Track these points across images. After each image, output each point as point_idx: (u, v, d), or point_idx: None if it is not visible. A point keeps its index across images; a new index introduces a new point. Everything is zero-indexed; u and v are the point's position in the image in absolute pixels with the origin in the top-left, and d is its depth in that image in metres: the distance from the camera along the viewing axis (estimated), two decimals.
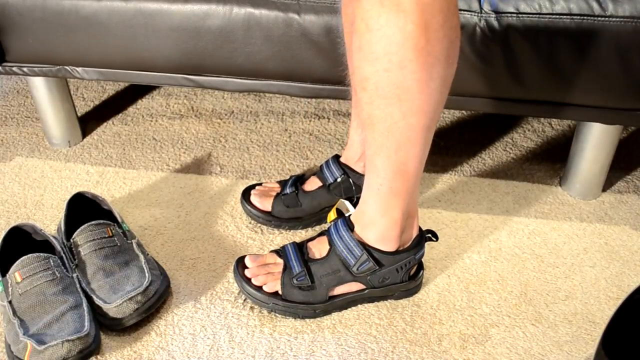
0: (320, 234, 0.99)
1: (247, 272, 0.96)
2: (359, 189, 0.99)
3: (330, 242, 0.94)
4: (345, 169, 1.08)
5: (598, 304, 0.99)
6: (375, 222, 0.91)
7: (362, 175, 1.05)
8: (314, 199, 1.09)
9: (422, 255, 0.97)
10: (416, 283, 0.98)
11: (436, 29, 0.72)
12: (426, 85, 0.76)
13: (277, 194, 1.10)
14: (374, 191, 0.89)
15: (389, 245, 0.92)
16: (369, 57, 0.76)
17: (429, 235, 0.98)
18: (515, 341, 0.93)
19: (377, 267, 0.93)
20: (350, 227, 0.93)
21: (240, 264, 0.98)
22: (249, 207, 1.11)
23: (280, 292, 0.94)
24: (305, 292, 0.94)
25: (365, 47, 0.75)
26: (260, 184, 1.15)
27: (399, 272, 0.94)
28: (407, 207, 0.90)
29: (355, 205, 0.99)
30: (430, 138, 0.84)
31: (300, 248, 0.97)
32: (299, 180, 1.12)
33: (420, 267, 0.99)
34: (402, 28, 0.71)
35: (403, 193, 0.88)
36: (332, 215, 1.03)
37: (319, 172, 1.11)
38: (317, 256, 0.95)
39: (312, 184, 1.10)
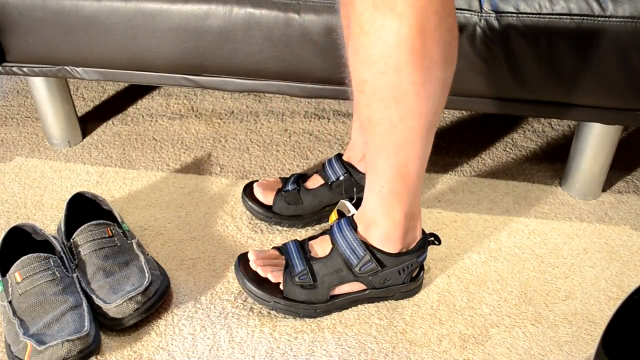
0: (323, 233, 0.99)
1: (251, 264, 0.95)
2: (361, 188, 0.99)
3: (333, 241, 0.94)
4: (348, 168, 1.08)
5: (598, 304, 0.99)
6: (378, 223, 0.91)
7: (364, 175, 1.05)
8: (315, 196, 1.08)
9: (425, 258, 0.97)
10: (417, 284, 0.98)
11: (432, 31, 0.72)
12: (423, 87, 0.76)
13: (279, 190, 1.10)
14: (376, 193, 0.89)
15: (393, 247, 0.92)
16: (366, 61, 0.75)
17: (432, 239, 0.98)
18: (515, 341, 0.93)
19: (380, 268, 0.93)
20: (354, 226, 0.93)
21: (242, 262, 0.97)
22: (250, 203, 1.10)
23: (281, 287, 0.94)
24: (307, 291, 0.94)
25: (361, 51, 0.75)
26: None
27: (400, 274, 0.94)
28: (410, 208, 0.90)
29: (355, 204, 0.99)
30: (431, 139, 0.84)
31: (302, 246, 0.97)
32: (301, 177, 1.12)
33: (421, 268, 0.99)
34: (397, 31, 0.71)
35: (405, 195, 0.88)
36: (333, 216, 1.03)
37: (321, 170, 1.11)
38: (320, 255, 0.95)
39: (314, 181, 1.10)
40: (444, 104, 0.81)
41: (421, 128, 0.80)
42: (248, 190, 1.12)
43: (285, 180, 1.12)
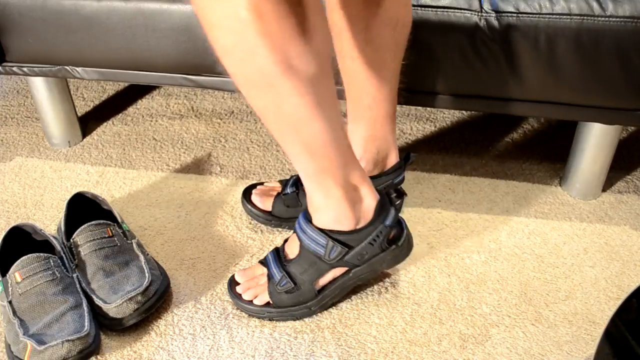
0: (293, 233, 0.98)
1: (237, 289, 0.97)
2: None
3: (299, 239, 0.94)
4: None
5: (598, 304, 0.99)
6: (323, 206, 0.90)
7: None
8: None
9: (393, 220, 0.92)
10: (401, 248, 0.95)
11: (272, 9, 0.69)
12: (287, 65, 0.73)
13: (278, 194, 1.10)
14: (305, 176, 0.88)
15: (347, 224, 0.91)
16: (224, 53, 0.74)
17: (395, 194, 0.95)
18: (515, 341, 0.93)
19: (347, 249, 0.92)
20: (308, 219, 0.93)
21: (233, 283, 0.99)
22: (249, 207, 1.11)
23: (270, 302, 0.95)
24: (293, 295, 0.94)
25: (216, 43, 0.74)
26: (261, 184, 1.15)
27: (374, 245, 0.93)
28: (345, 180, 0.88)
29: None
30: (334, 108, 0.81)
31: (279, 253, 0.97)
32: (300, 180, 1.12)
33: (401, 229, 0.95)
34: (237, 17, 0.69)
35: (331, 169, 0.86)
36: None
37: None
38: (291, 256, 0.95)
39: None
40: (330, 73, 0.79)
41: (310, 102, 0.77)
42: (247, 195, 1.12)
43: (284, 183, 1.12)
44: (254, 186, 1.14)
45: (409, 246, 0.97)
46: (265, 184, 1.15)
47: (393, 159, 1.06)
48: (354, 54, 0.95)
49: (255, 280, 0.97)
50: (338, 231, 0.91)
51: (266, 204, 1.10)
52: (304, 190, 1.09)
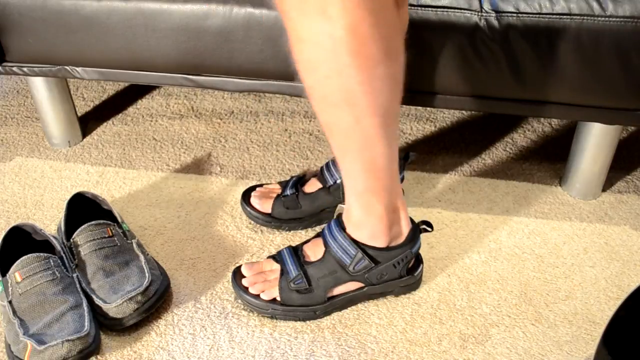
0: (316, 236, 0.99)
1: (244, 281, 0.96)
2: None
3: (325, 244, 0.94)
4: None
5: (598, 304, 0.99)
6: (363, 221, 0.91)
7: None
8: (314, 200, 1.08)
9: (418, 248, 0.96)
10: (415, 278, 0.98)
11: (367, 30, 0.70)
12: (370, 86, 0.74)
13: (278, 196, 1.10)
14: (352, 192, 0.89)
15: (380, 241, 0.92)
16: (308, 67, 0.75)
17: (424, 226, 0.98)
18: (515, 341, 0.93)
19: (373, 265, 0.93)
20: (342, 227, 0.93)
21: (237, 274, 0.98)
22: (248, 209, 1.11)
23: (278, 298, 0.94)
24: (303, 295, 0.94)
25: (301, 57, 0.74)
26: (260, 185, 1.15)
27: (396, 268, 0.94)
28: (389, 201, 0.89)
29: None
30: (394, 133, 0.83)
31: (296, 251, 0.97)
32: (299, 181, 1.12)
33: (419, 262, 0.99)
34: (331, 35, 0.70)
35: (380, 190, 0.87)
36: None
37: (319, 174, 1.11)
38: (313, 259, 0.95)
39: (313, 185, 1.10)
40: (400, 97, 0.80)
41: (379, 124, 0.79)
42: (246, 197, 1.12)
43: (284, 184, 1.12)
44: (253, 188, 1.14)
45: (420, 280, 1.00)
46: (264, 185, 1.15)
47: None
48: None
49: (263, 275, 0.97)
50: (370, 246, 0.92)
51: (265, 206, 1.10)
52: (303, 192, 1.09)
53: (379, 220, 0.90)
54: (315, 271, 0.94)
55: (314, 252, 0.96)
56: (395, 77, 0.77)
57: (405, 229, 0.94)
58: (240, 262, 1.05)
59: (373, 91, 0.75)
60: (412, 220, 0.96)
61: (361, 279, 0.94)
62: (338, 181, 1.07)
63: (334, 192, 1.08)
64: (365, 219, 0.91)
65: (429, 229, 0.98)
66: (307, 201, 1.09)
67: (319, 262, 0.94)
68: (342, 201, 1.07)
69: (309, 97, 0.79)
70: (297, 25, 0.72)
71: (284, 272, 0.95)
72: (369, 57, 0.72)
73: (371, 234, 0.92)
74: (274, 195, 1.11)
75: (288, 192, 1.09)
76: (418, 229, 0.96)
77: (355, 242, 0.92)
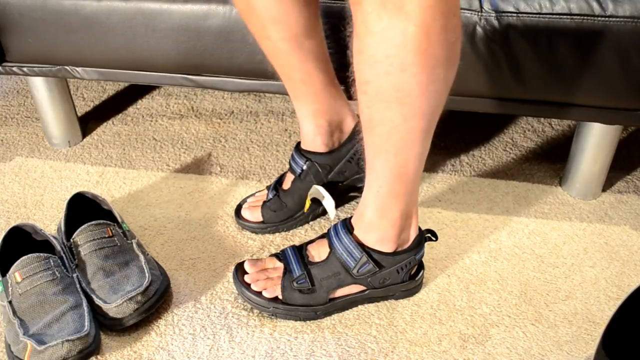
0: (320, 237, 0.99)
1: (246, 278, 0.96)
2: (326, 169, 1.03)
3: (330, 245, 0.94)
4: (307, 155, 1.07)
5: (598, 304, 0.99)
6: (374, 224, 0.91)
7: (324, 154, 1.06)
8: (293, 194, 1.09)
9: (422, 255, 0.97)
10: (416, 283, 0.98)
11: (437, 32, 0.72)
12: (427, 87, 0.75)
13: (264, 202, 1.10)
14: (374, 193, 0.89)
15: (388, 246, 0.92)
16: (370, 61, 0.75)
17: (429, 235, 0.98)
18: (515, 341, 0.93)
19: (378, 269, 0.93)
20: (349, 229, 0.93)
21: (240, 270, 0.97)
22: (242, 222, 1.11)
23: (280, 297, 0.94)
24: (306, 295, 0.94)
25: (366, 50, 0.75)
26: (252, 195, 1.14)
27: (399, 273, 0.94)
28: (406, 208, 0.90)
29: (327, 187, 1.03)
30: (430, 140, 0.84)
31: (300, 251, 0.97)
32: (279, 182, 1.12)
33: (421, 267, 0.99)
34: (403, 30, 0.71)
35: (402, 195, 0.88)
36: (307, 203, 1.04)
37: (289, 167, 1.11)
38: (317, 259, 0.95)
39: (288, 180, 1.10)
40: (444, 104, 0.81)
41: (421, 128, 0.80)
42: (238, 212, 1.12)
43: (268, 188, 1.13)
44: (244, 201, 1.14)
45: (420, 285, 1.00)
46: (255, 194, 1.14)
47: (349, 124, 1.06)
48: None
49: (266, 272, 0.97)
50: (376, 250, 0.92)
51: (256, 215, 1.10)
52: (282, 190, 1.09)
53: (392, 225, 0.90)
54: (318, 272, 0.94)
55: (319, 252, 0.96)
56: (448, 83, 0.78)
57: (413, 235, 0.95)
58: None
59: (428, 93, 0.76)
60: (419, 227, 0.96)
61: (364, 282, 0.94)
62: (304, 167, 1.07)
63: (306, 179, 1.07)
64: (377, 222, 0.90)
65: (433, 238, 0.98)
66: (288, 198, 1.09)
67: (323, 263, 0.94)
68: (315, 183, 1.07)
69: (359, 91, 0.79)
70: (369, 17, 0.72)
71: (287, 271, 0.95)
72: (433, 58, 0.73)
73: (380, 238, 0.92)
74: (261, 202, 1.11)
75: (270, 195, 1.10)
76: (424, 236, 0.97)
77: (362, 246, 0.92)
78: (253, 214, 1.10)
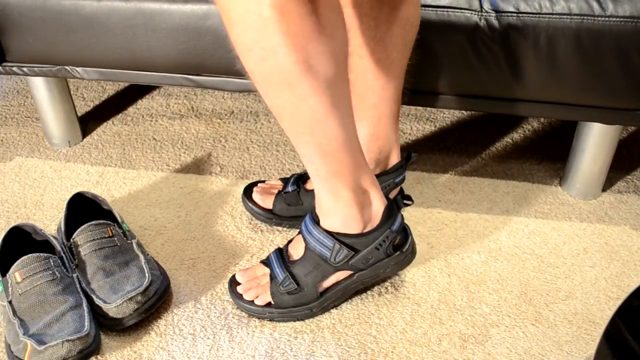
0: (298, 234, 0.98)
1: (239, 289, 0.97)
2: None
3: (304, 240, 0.94)
4: None
5: (598, 304, 0.99)
6: (332, 207, 0.90)
7: None
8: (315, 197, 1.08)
9: (399, 225, 0.94)
10: (405, 254, 0.96)
11: (295, 8, 0.69)
12: (307, 64, 0.73)
13: (279, 192, 1.10)
14: (316, 178, 0.88)
15: (354, 227, 0.91)
16: (244, 51, 0.74)
17: (404, 200, 0.96)
18: (515, 341, 0.93)
19: (353, 253, 0.92)
20: (316, 220, 0.93)
21: (234, 282, 0.99)
22: (250, 205, 1.10)
23: (272, 302, 0.95)
24: (295, 296, 0.94)
25: (237, 41, 0.74)
26: (262, 182, 1.15)
27: (379, 250, 0.93)
28: (356, 184, 0.88)
29: None
30: (348, 111, 0.82)
31: (282, 253, 0.97)
32: (301, 178, 1.12)
33: (407, 235, 0.96)
34: (260, 14, 0.69)
35: (344, 172, 0.86)
36: None
37: None
38: (296, 257, 0.95)
39: None
40: (347, 75, 0.79)
41: (327, 104, 0.77)
42: (248, 193, 1.12)
43: (285, 181, 1.12)
44: (255, 184, 1.14)
45: (412, 253, 0.97)
46: (266, 181, 1.15)
47: (395, 158, 1.06)
48: (362, 51, 0.95)
49: (256, 280, 0.97)
50: (345, 234, 0.91)
51: (267, 202, 1.10)
52: (305, 189, 1.09)
53: (349, 205, 0.89)
54: (300, 270, 0.94)
55: (296, 250, 0.96)
56: (335, 53, 0.75)
57: (379, 209, 0.92)
58: (240, 262, 1.05)
59: (311, 69, 0.73)
60: (387, 198, 0.94)
61: (347, 267, 0.93)
62: None
63: None
64: (334, 206, 0.90)
65: (409, 202, 0.95)
66: (308, 198, 1.08)
67: (302, 259, 0.94)
68: None
69: (253, 82, 0.78)
70: (227, 8, 0.71)
71: (273, 277, 0.95)
72: (299, 35, 0.71)
73: (343, 221, 0.91)
74: (275, 191, 1.10)
75: (290, 188, 1.09)
76: (395, 205, 0.94)
77: (330, 233, 0.91)
78: (264, 200, 1.09)
